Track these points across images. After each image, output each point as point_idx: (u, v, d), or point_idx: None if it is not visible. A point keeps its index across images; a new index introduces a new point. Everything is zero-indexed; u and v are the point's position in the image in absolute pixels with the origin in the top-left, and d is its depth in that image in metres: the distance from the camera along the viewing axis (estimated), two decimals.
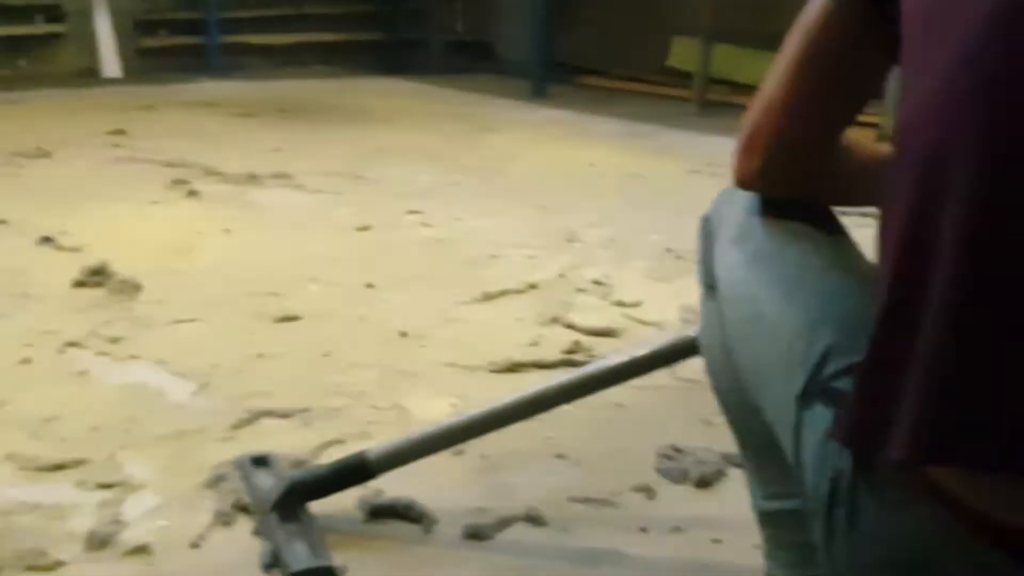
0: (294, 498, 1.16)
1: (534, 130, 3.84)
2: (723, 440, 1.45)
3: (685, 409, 1.54)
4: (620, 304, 1.98)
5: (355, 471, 1.20)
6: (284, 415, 1.49)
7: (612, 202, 2.78)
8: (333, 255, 2.23)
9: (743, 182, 0.86)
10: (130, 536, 1.17)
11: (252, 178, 2.83)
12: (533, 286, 2.05)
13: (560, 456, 1.39)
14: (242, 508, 1.22)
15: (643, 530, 1.22)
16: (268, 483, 1.22)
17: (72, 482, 1.28)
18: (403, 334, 1.80)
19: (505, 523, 1.22)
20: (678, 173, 3.17)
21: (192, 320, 1.82)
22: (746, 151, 0.85)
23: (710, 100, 4.45)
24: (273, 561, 1.09)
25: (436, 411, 1.51)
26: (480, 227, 2.49)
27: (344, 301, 1.96)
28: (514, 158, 3.31)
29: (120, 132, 3.37)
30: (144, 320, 1.80)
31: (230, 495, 1.23)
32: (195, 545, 1.16)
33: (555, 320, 1.87)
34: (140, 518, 1.21)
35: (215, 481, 1.26)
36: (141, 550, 1.15)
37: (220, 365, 1.63)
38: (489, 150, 3.43)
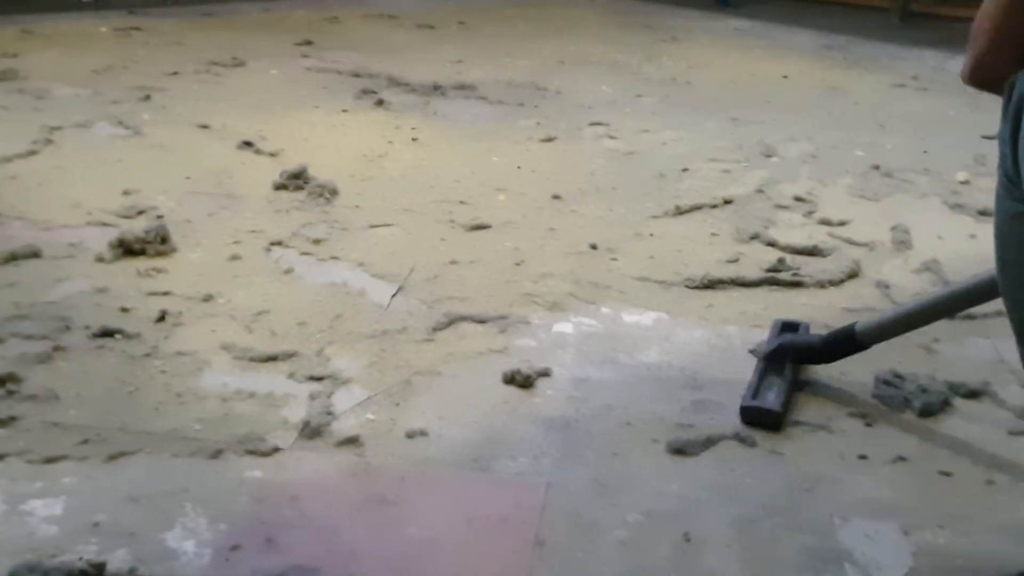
0: (783, 355, 1.32)
1: (721, 41, 3.66)
2: (947, 368, 1.35)
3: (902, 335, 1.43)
4: (826, 223, 1.86)
5: (844, 342, 1.28)
6: (480, 321, 1.49)
7: (810, 116, 2.62)
8: (518, 166, 2.21)
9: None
10: (340, 427, 1.21)
11: (436, 88, 2.83)
12: (728, 201, 1.96)
13: None
14: None
15: (862, 457, 1.15)
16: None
17: (284, 373, 1.34)
18: (593, 247, 1.76)
19: (712, 441, 1.18)
20: (880, 87, 2.94)
21: (387, 225, 1.85)
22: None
23: (913, 10, 4.11)
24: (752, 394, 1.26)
25: (641, 323, 1.48)
26: (668, 139, 2.40)
27: (532, 212, 1.94)
28: (700, 69, 3.16)
29: (308, 43, 3.44)
30: (342, 223, 1.84)
31: None
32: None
33: (755, 237, 1.78)
34: (349, 411, 1.25)
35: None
36: (352, 441, 1.19)
37: (416, 269, 1.65)
38: (674, 61, 3.29)
